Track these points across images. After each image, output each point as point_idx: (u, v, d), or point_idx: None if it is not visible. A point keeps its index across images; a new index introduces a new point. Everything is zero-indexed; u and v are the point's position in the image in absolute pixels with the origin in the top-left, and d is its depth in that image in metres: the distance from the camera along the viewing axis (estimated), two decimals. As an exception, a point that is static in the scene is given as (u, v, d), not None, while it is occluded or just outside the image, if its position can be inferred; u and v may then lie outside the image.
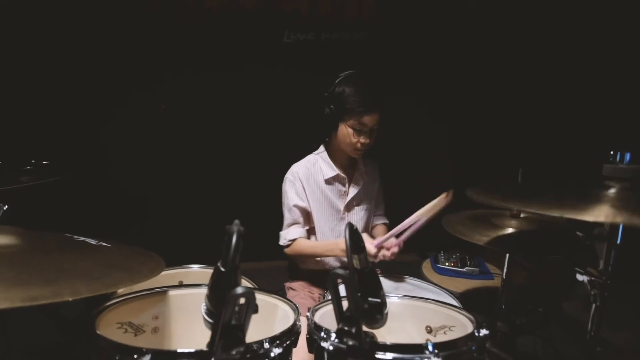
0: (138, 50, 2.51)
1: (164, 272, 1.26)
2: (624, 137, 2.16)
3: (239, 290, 0.53)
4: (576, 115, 2.48)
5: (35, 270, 0.73)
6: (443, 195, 1.25)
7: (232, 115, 2.69)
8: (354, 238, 0.67)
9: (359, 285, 0.70)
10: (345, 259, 1.59)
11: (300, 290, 1.66)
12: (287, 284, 1.74)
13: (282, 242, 1.64)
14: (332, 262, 1.69)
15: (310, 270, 1.70)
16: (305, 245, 1.62)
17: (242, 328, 0.57)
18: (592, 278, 0.91)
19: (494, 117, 2.80)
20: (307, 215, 1.64)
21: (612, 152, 0.86)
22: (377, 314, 0.70)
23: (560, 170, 2.26)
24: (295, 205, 1.60)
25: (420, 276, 2.22)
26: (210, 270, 1.49)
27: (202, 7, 2.55)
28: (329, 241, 1.62)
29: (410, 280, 1.51)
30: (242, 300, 0.57)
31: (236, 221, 0.61)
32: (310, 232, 1.67)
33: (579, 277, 0.94)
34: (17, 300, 0.62)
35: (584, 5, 2.37)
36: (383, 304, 0.71)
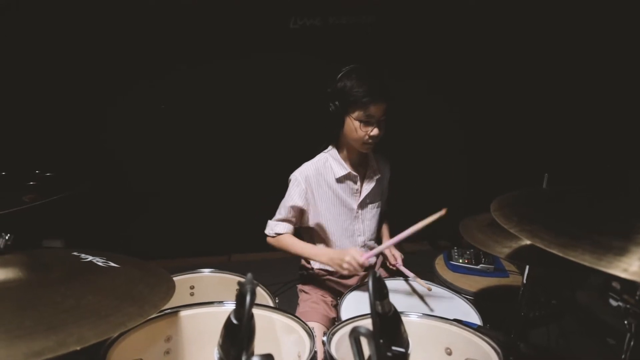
0: (140, 42, 2.43)
1: (175, 278, 1.24)
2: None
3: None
4: (604, 115, 2.34)
5: (39, 315, 0.69)
6: (444, 211, 1.23)
7: (239, 105, 2.61)
8: (377, 285, 0.63)
9: (381, 331, 0.66)
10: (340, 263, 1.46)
11: (312, 294, 1.64)
12: (300, 287, 1.72)
13: (268, 231, 1.63)
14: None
15: (323, 275, 1.67)
16: (292, 243, 1.58)
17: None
18: (628, 306, 0.85)
19: (515, 111, 2.67)
20: (301, 214, 1.61)
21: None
22: (401, 362, 0.66)
23: (588, 173, 2.16)
24: (293, 206, 1.58)
25: (433, 273, 2.18)
26: (221, 275, 1.49)
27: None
28: (320, 247, 1.61)
29: (440, 289, 1.46)
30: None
31: (249, 275, 0.56)
32: (320, 230, 1.64)
33: (613, 303, 0.89)
34: (21, 357, 0.59)
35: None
36: (406, 352, 0.68)
